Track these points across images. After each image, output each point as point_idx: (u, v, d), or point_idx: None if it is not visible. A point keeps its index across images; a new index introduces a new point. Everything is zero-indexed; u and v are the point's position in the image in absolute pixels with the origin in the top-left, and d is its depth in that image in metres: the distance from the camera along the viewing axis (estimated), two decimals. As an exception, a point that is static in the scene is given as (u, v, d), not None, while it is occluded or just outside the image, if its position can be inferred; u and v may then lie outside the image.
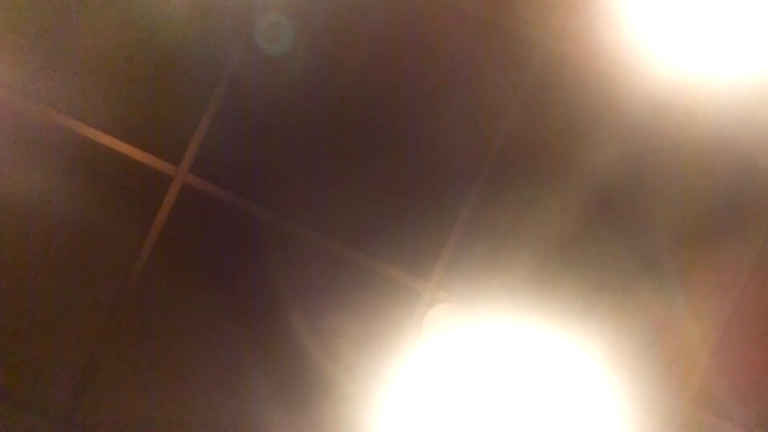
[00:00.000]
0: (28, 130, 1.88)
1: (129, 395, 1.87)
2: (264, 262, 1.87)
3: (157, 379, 1.87)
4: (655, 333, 1.81)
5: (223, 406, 1.86)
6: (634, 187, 1.84)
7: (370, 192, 1.87)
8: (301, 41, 1.88)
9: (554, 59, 1.86)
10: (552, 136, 1.86)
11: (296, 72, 1.88)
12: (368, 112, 1.88)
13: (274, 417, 1.85)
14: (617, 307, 1.82)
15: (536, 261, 1.83)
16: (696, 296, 1.82)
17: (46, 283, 1.88)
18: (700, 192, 1.83)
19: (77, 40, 1.89)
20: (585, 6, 1.86)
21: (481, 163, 1.86)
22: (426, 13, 1.88)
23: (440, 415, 1.81)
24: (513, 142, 1.86)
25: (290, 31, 1.88)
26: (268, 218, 1.87)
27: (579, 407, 1.80)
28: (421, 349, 1.84)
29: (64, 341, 1.88)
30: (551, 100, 1.86)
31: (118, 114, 1.88)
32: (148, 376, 1.87)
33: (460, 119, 1.87)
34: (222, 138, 1.88)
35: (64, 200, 1.87)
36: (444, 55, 1.87)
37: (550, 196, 1.84)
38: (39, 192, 1.87)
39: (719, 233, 1.83)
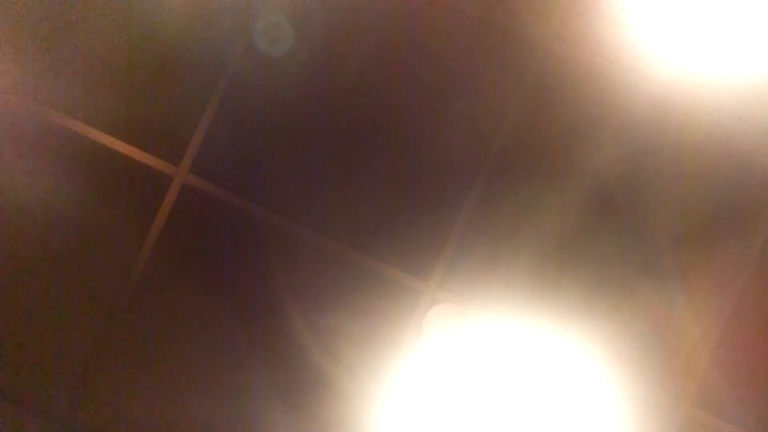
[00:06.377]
0: (28, 130, 1.88)
1: (129, 395, 1.87)
2: (264, 261, 1.87)
3: (157, 379, 1.87)
4: (655, 333, 1.81)
5: (223, 406, 1.86)
6: (634, 187, 1.84)
7: (370, 192, 1.87)
8: (301, 41, 1.88)
9: (554, 59, 1.86)
10: (552, 136, 1.86)
11: (296, 72, 1.88)
12: (368, 112, 1.88)
13: (274, 417, 1.85)
14: (617, 306, 1.82)
15: (536, 261, 1.83)
16: (696, 296, 1.82)
17: (46, 283, 1.88)
18: (700, 192, 1.83)
19: (78, 41, 1.89)
20: (585, 6, 1.86)
21: (481, 163, 1.86)
22: (426, 13, 1.88)
23: (440, 415, 1.81)
24: (513, 142, 1.86)
25: (290, 32, 1.88)
26: (268, 218, 1.87)
27: (579, 407, 1.80)
28: (421, 349, 1.84)
29: (64, 341, 1.88)
30: (551, 101, 1.86)
31: (118, 114, 1.88)
32: (147, 376, 1.87)
33: (460, 119, 1.87)
34: (222, 138, 1.88)
35: (64, 200, 1.87)
36: (444, 55, 1.87)
37: (550, 196, 1.84)
38: (39, 192, 1.87)
39: (719, 233, 1.83)
